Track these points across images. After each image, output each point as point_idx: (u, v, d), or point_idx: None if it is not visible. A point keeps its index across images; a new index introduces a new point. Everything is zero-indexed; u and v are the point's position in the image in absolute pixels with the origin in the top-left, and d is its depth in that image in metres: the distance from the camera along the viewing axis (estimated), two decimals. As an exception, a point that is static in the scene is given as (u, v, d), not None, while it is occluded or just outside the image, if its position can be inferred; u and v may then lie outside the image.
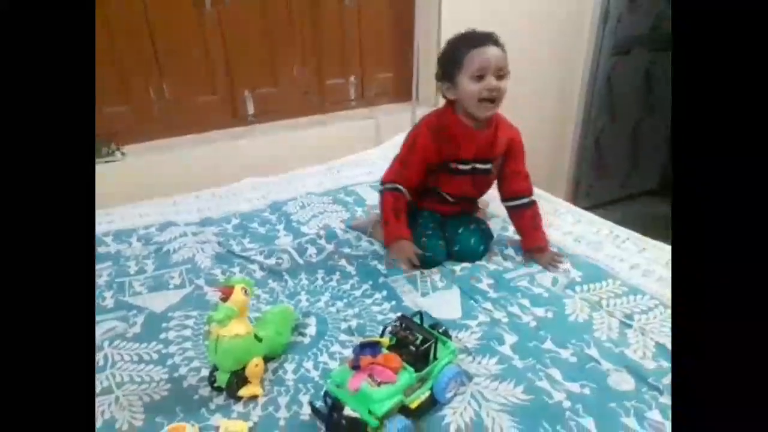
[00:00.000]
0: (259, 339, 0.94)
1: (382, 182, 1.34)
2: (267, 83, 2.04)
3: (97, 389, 0.97)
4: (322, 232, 1.50)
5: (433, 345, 0.89)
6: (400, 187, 1.30)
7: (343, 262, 1.36)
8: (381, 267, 1.33)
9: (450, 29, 2.09)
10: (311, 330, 1.11)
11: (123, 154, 1.78)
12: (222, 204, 1.67)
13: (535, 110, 2.42)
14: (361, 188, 1.78)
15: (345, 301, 1.21)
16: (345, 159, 1.97)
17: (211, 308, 1.19)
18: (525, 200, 1.35)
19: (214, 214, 1.60)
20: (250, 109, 2.02)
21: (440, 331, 0.95)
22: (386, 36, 2.19)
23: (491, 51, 1.18)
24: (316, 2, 1.99)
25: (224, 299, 0.91)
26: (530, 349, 1.03)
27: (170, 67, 1.83)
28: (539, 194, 1.66)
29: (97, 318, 1.16)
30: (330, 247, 1.43)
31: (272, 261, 1.38)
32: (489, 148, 1.29)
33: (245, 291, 0.93)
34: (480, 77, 1.18)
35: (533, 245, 1.32)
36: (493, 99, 1.20)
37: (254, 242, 1.47)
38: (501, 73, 1.20)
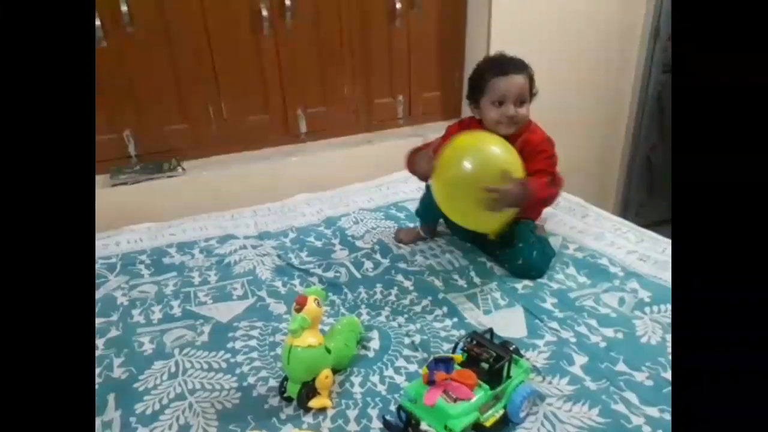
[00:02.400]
0: (328, 350, 0.95)
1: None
2: (318, 102, 2.09)
3: (171, 395, 0.99)
4: (376, 247, 1.52)
5: (507, 363, 0.88)
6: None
7: (399, 277, 1.37)
8: (438, 283, 1.33)
9: (499, 49, 2.13)
10: (375, 344, 1.12)
11: (183, 169, 1.86)
12: (278, 218, 1.71)
13: (584, 128, 2.40)
14: (411, 204, 1.78)
15: (405, 316, 1.21)
16: (394, 176, 1.99)
17: (275, 319, 1.21)
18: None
19: (271, 228, 1.64)
20: (303, 128, 2.07)
21: (512, 349, 0.94)
22: (434, 56, 2.22)
23: (514, 80, 1.27)
24: (366, 24, 2.04)
25: (298, 309, 0.92)
26: (602, 371, 1.00)
27: (228, 87, 1.91)
28: (599, 213, 1.64)
29: (167, 326, 1.20)
30: (386, 262, 1.44)
31: (330, 274, 1.40)
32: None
33: (318, 302, 0.94)
34: (501, 103, 1.28)
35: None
36: (511, 123, 1.30)
37: (312, 255, 1.49)
38: (522, 99, 1.29)
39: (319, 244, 1.56)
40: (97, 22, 1.62)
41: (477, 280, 1.34)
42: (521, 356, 0.96)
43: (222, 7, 1.78)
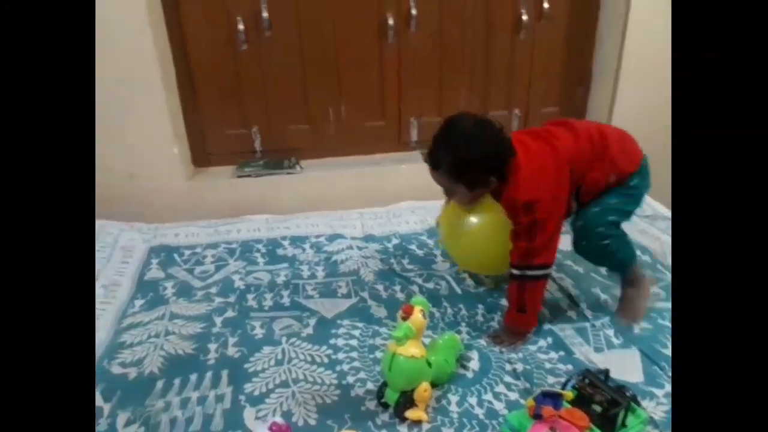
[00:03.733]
0: (429, 364, 0.95)
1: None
2: (432, 111, 2.10)
3: (276, 381, 1.06)
4: (480, 264, 1.48)
5: (623, 410, 0.80)
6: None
7: (503, 300, 1.32)
8: (545, 310, 1.26)
9: (631, 69, 1.98)
10: (474, 365, 1.09)
11: (301, 167, 1.97)
12: (383, 223, 1.74)
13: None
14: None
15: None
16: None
17: (375, 322, 1.24)
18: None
19: (377, 232, 1.68)
20: (414, 136, 2.10)
21: (629, 395, 0.86)
22: (558, 70, 2.12)
23: (433, 175, 1.18)
24: (490, 35, 2.01)
25: (405, 318, 0.93)
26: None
27: (349, 92, 1.99)
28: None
29: (276, 314, 1.28)
30: (489, 282, 1.40)
31: (431, 285, 1.39)
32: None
33: (423, 313, 0.94)
34: None
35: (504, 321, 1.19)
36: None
37: (413, 263, 1.50)
38: (448, 190, 1.21)
39: (420, 253, 1.56)
40: (240, 27, 1.78)
41: (588, 312, 1.25)
42: (639, 405, 0.87)
43: (352, 15, 1.86)
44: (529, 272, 1.12)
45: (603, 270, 1.39)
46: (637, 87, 2.00)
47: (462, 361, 1.09)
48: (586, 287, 1.35)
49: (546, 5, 1.97)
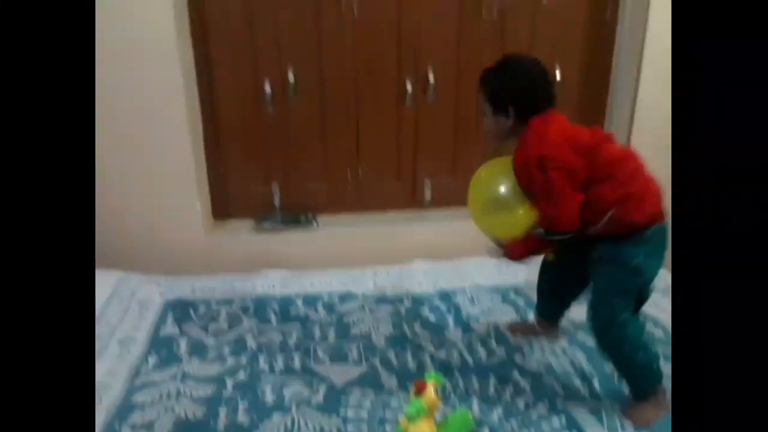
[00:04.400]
0: (441, 445, 0.94)
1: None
2: (446, 173, 2.15)
3: (285, 453, 1.05)
4: (492, 332, 1.48)
5: None
6: None
7: (515, 373, 1.31)
8: (558, 388, 1.24)
9: (642, 130, 2.02)
10: (485, 444, 1.07)
11: (317, 224, 2.02)
12: (395, 282, 1.76)
13: None
14: (532, 291, 1.72)
15: (519, 419, 1.15)
16: (515, 255, 1.95)
17: (386, 392, 1.23)
18: None
19: (389, 292, 1.70)
20: (428, 196, 2.14)
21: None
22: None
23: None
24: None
25: (417, 393, 0.93)
26: None
27: (366, 153, 2.06)
28: None
29: (286, 379, 1.28)
30: (501, 353, 1.40)
31: (443, 354, 1.39)
32: None
33: (436, 390, 0.94)
34: None
35: None
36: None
37: (425, 329, 1.50)
38: (484, 112, 1.24)
39: (432, 318, 1.57)
40: (268, 89, 1.88)
41: (601, 391, 1.24)
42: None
43: (372, 81, 1.96)
44: (555, 237, 1.17)
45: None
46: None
47: (473, 439, 1.07)
48: (599, 362, 1.33)
49: (558, 76, 2.05)
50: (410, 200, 2.15)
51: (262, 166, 2.00)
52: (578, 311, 1.56)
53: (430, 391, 0.94)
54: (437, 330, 1.50)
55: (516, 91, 1.17)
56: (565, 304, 1.42)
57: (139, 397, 1.20)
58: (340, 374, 1.29)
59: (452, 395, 1.22)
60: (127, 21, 1.62)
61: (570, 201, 1.11)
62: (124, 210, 1.82)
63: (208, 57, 1.83)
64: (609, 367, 1.31)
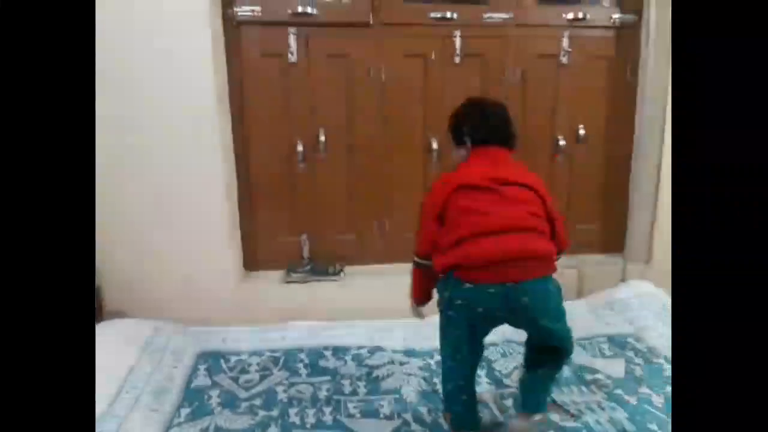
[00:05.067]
0: None
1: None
2: (472, 224, 2.18)
3: None
4: (525, 389, 1.45)
5: None
6: None
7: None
8: (598, 447, 1.20)
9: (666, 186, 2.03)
10: (524, 508, 1.03)
11: (344, 274, 2.05)
12: (424, 336, 1.74)
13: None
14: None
15: (559, 480, 1.11)
16: (544, 308, 1.93)
17: (418, 451, 1.20)
18: None
19: (417, 346, 1.68)
20: (455, 247, 2.16)
21: None
22: (594, 190, 2.20)
23: None
24: (529, 156, 2.12)
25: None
26: None
27: (393, 207, 2.11)
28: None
29: (319, 434, 1.27)
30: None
31: (474, 411, 1.36)
32: None
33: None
34: None
35: None
36: None
37: (456, 385, 1.47)
38: None
39: (464, 372, 1.54)
40: (300, 148, 1.97)
41: (644, 453, 1.19)
42: None
43: (399, 139, 2.04)
44: (415, 260, 1.29)
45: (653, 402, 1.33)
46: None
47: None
48: (642, 421, 1.28)
49: (582, 131, 2.10)
50: (437, 252, 2.17)
51: (292, 219, 2.07)
52: (615, 365, 1.53)
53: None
54: (469, 385, 1.47)
55: (465, 127, 1.27)
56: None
57: (172, 450, 1.20)
58: (371, 429, 1.28)
59: (487, 455, 1.19)
60: (172, 82, 1.76)
61: (425, 227, 1.23)
62: (161, 261, 1.89)
63: (243, 117, 1.95)
64: (652, 428, 1.27)
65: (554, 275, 1.17)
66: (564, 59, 2.04)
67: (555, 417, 1.31)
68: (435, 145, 2.02)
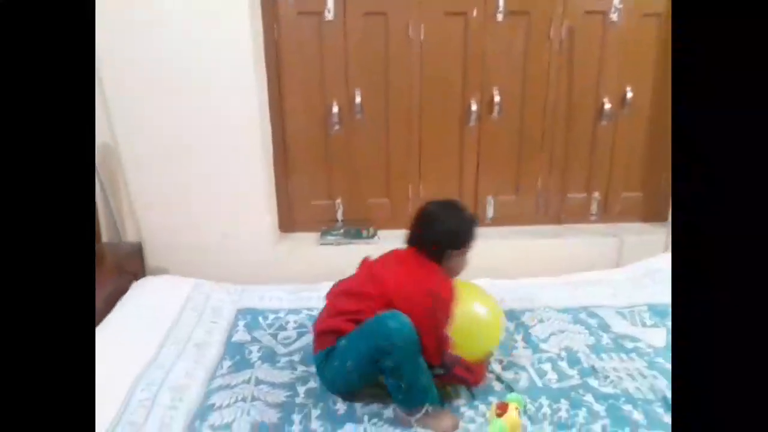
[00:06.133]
0: (522, 467, 0.92)
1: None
2: (509, 191, 2.14)
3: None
4: (563, 354, 1.44)
5: None
6: None
7: (589, 397, 1.26)
8: (638, 416, 1.19)
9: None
10: (563, 469, 1.03)
11: (378, 238, 2.05)
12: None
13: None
14: (603, 311, 1.66)
15: (598, 444, 1.10)
16: (584, 276, 1.89)
17: (453, 410, 1.21)
18: None
19: (452, 310, 1.68)
20: (490, 213, 2.13)
21: None
22: (639, 157, 2.11)
23: None
24: (572, 120, 2.05)
25: (500, 414, 0.92)
26: None
27: (428, 170, 2.08)
28: None
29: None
30: (574, 375, 1.35)
31: (510, 374, 1.36)
32: None
33: (518, 411, 0.92)
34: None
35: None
36: None
37: (492, 348, 1.47)
38: None
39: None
40: (335, 110, 1.94)
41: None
42: None
43: (437, 101, 1.99)
44: None
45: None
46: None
47: (550, 463, 1.04)
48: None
49: (629, 94, 2.00)
50: (472, 218, 2.14)
51: (327, 182, 2.07)
52: (656, 335, 1.50)
53: (512, 412, 0.92)
54: (505, 350, 1.47)
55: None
56: None
57: (217, 399, 1.25)
58: (408, 388, 1.29)
59: (522, 417, 1.18)
60: (209, 44, 1.74)
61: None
62: (201, 222, 1.93)
63: (280, 79, 1.93)
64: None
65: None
66: (614, 16, 1.92)
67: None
68: (474, 107, 1.96)
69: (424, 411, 1.13)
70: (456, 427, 1.12)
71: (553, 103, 2.02)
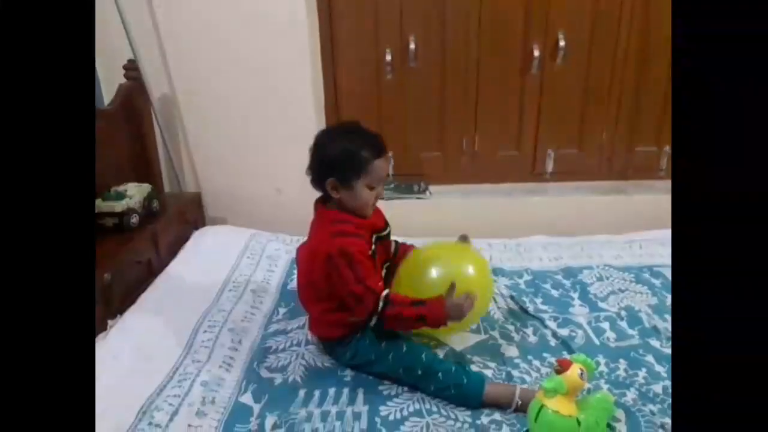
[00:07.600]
0: (579, 422, 0.89)
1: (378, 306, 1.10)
2: (571, 144, 2.01)
3: (410, 409, 1.07)
4: (623, 314, 1.37)
5: None
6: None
7: (650, 357, 1.20)
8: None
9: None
10: (621, 427, 1.00)
11: (430, 193, 2.01)
12: (513, 256, 1.70)
13: None
14: (669, 271, 1.56)
15: (658, 406, 1.06)
16: (648, 234, 1.78)
17: (508, 363, 1.20)
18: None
19: (506, 266, 1.64)
20: (549, 167, 2.02)
21: None
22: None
23: (386, 162, 1.18)
24: (644, 64, 1.88)
25: (559, 371, 0.89)
26: None
27: (484, 122, 1.99)
28: None
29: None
30: (633, 334, 1.29)
31: (565, 332, 1.32)
32: (380, 221, 1.29)
33: (582, 373, 0.89)
34: (374, 186, 1.16)
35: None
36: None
37: (547, 304, 1.43)
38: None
39: (555, 293, 1.49)
40: (388, 57, 1.88)
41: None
42: None
43: (497, 47, 1.87)
44: None
45: None
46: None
47: (609, 422, 1.01)
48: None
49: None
50: (529, 172, 2.05)
51: (379, 133, 2.02)
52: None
53: (574, 371, 0.89)
54: (561, 306, 1.42)
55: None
56: None
57: (273, 343, 1.30)
58: (457, 340, 1.28)
59: (580, 374, 1.16)
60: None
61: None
62: (256, 174, 1.97)
63: (331, 25, 1.87)
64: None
65: None
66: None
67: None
68: (537, 52, 1.83)
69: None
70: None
71: (624, 48, 1.85)
